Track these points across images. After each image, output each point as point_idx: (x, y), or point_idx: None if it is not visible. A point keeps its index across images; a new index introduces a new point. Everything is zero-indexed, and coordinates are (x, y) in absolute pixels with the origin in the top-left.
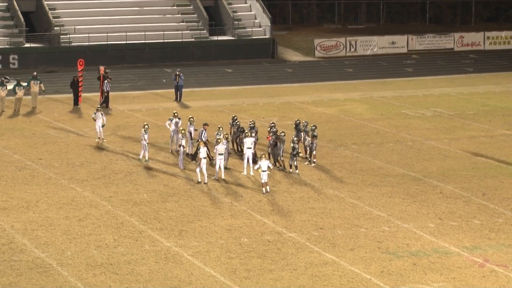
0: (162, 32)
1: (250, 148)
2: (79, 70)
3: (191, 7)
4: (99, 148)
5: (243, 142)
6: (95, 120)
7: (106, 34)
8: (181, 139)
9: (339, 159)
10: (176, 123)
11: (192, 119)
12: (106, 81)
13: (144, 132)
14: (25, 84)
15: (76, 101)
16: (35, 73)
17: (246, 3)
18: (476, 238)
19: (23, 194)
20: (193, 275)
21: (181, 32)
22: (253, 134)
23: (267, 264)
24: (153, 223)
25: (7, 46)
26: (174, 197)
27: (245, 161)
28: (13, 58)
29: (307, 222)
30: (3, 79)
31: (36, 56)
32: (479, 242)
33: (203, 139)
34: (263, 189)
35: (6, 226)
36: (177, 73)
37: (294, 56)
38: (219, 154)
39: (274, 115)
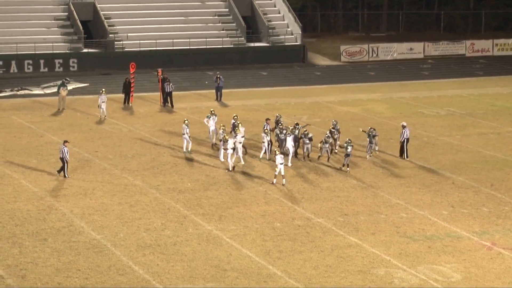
0: (205, 39)
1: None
2: (131, 72)
3: (231, 17)
4: (149, 142)
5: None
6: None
7: (155, 41)
8: (222, 134)
9: (362, 153)
10: (213, 120)
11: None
12: (166, 83)
13: (186, 127)
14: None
15: (127, 100)
16: (64, 79)
17: (279, 13)
18: (484, 224)
19: (81, 182)
20: (232, 255)
21: (221, 39)
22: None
23: (297, 246)
24: (196, 209)
25: (67, 51)
26: (215, 186)
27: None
28: (73, 62)
29: (333, 209)
30: (64, 80)
31: (92, 60)
32: (487, 227)
33: (268, 131)
34: (276, 179)
35: (66, 211)
36: (218, 75)
37: (322, 61)
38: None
39: (304, 113)
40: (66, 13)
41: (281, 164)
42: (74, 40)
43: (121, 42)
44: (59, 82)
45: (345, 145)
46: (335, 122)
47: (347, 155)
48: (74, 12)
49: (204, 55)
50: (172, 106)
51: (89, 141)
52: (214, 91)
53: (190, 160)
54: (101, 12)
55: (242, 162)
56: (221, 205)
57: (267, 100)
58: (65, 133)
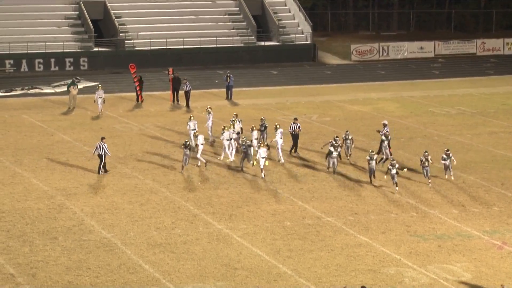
0: (215, 38)
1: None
2: (132, 72)
3: (241, 16)
4: (159, 140)
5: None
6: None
7: (165, 40)
8: (233, 133)
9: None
10: (210, 118)
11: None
12: (183, 82)
13: (191, 123)
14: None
15: (137, 98)
16: (74, 78)
17: (290, 12)
18: (495, 223)
19: (91, 181)
20: (242, 254)
21: (232, 38)
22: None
23: (307, 245)
24: (206, 207)
25: (78, 50)
26: (225, 185)
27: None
28: (83, 61)
29: (343, 208)
30: (74, 79)
31: (103, 59)
32: (498, 226)
33: (292, 131)
34: (262, 173)
35: (76, 209)
36: (228, 74)
37: (332, 60)
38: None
39: (314, 112)
40: (77, 12)
41: (263, 158)
42: (84, 39)
43: (132, 41)
44: (69, 81)
45: (368, 157)
46: (347, 133)
47: (371, 169)
48: (85, 11)
49: (214, 54)
50: (188, 106)
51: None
52: (224, 90)
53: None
54: (112, 11)
55: (231, 159)
56: (231, 204)
57: (277, 99)
58: (76, 132)
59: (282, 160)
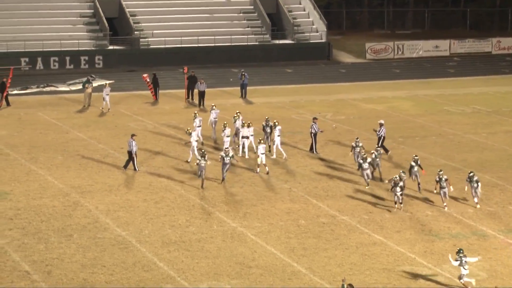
0: (230, 36)
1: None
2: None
3: (256, 14)
4: (174, 138)
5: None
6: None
7: (180, 38)
8: (248, 132)
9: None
10: (215, 113)
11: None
12: (199, 82)
13: (195, 119)
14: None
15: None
16: (89, 76)
17: (304, 10)
18: (510, 222)
19: (106, 179)
20: (256, 252)
21: (246, 36)
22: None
23: (321, 243)
24: (220, 206)
25: (93, 48)
26: (239, 183)
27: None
28: (98, 59)
29: (358, 206)
30: (89, 77)
31: (118, 57)
32: None
33: (316, 131)
34: (259, 168)
35: (91, 207)
36: (242, 72)
37: (347, 58)
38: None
39: (328, 111)
40: (92, 10)
41: (262, 154)
42: (99, 37)
43: (146, 39)
44: (84, 79)
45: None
46: (357, 140)
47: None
48: (100, 9)
49: (229, 52)
50: (203, 105)
51: (114, 138)
52: (238, 88)
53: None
54: (127, 9)
55: (245, 156)
56: (246, 202)
57: (291, 98)
58: (90, 129)
59: (285, 155)
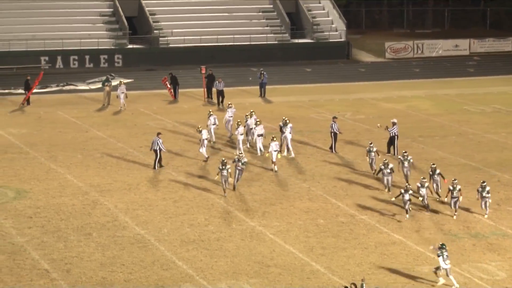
0: (249, 35)
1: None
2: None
3: (275, 13)
4: (193, 137)
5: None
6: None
7: (199, 37)
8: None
9: (406, 150)
10: (231, 111)
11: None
12: (217, 81)
13: (210, 117)
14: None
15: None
16: (109, 75)
17: (324, 9)
18: None
19: (125, 177)
20: (275, 251)
21: (265, 35)
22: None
23: (340, 243)
24: (239, 205)
25: (112, 47)
26: (258, 182)
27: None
28: (118, 58)
29: (377, 206)
30: (108, 76)
31: (137, 56)
32: None
33: (335, 131)
34: (275, 167)
35: (110, 205)
36: (262, 72)
37: (366, 57)
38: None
39: (348, 110)
40: (112, 9)
41: (275, 151)
42: (119, 36)
43: (166, 38)
44: (104, 78)
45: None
46: (371, 145)
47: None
48: (119, 8)
49: (248, 51)
50: (222, 104)
51: (134, 137)
52: (257, 87)
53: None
54: (146, 8)
55: (259, 153)
56: (265, 201)
57: (310, 97)
58: (110, 128)
59: (292, 155)
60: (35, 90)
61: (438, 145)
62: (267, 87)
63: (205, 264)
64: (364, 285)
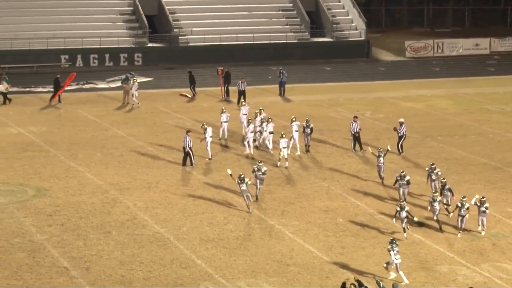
0: (268, 34)
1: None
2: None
3: (295, 11)
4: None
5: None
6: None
7: (219, 36)
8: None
9: (426, 149)
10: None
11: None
12: (240, 81)
13: (222, 114)
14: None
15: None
16: (128, 74)
17: (344, 8)
18: None
19: (145, 176)
20: (294, 250)
21: (285, 34)
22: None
23: (359, 242)
24: (258, 203)
25: (132, 46)
26: (277, 180)
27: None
28: (137, 56)
29: (396, 205)
30: (128, 74)
31: (157, 55)
32: None
33: (356, 130)
34: (280, 162)
35: (130, 204)
36: (281, 70)
37: (386, 56)
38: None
39: (367, 109)
40: (132, 8)
41: (284, 148)
42: (139, 34)
43: (186, 36)
44: (123, 76)
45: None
46: (380, 150)
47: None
48: (139, 6)
49: (267, 50)
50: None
51: (153, 135)
52: (277, 86)
53: (251, 156)
54: (166, 7)
55: (248, 151)
56: (284, 200)
57: (330, 96)
58: (129, 126)
59: (298, 152)
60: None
61: (458, 144)
62: (286, 86)
63: (224, 263)
64: (381, 282)
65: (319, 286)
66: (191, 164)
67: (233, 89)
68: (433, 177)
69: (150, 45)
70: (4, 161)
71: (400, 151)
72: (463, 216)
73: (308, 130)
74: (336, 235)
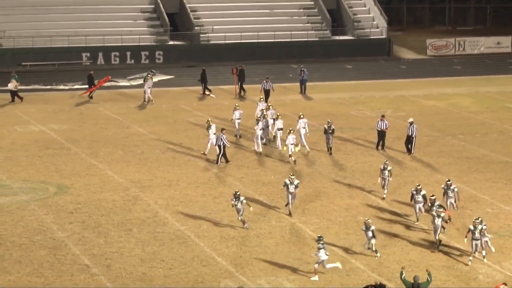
0: (290, 32)
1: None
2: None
3: (316, 10)
4: (232, 134)
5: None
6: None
7: (240, 34)
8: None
9: (447, 147)
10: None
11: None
12: (265, 80)
13: (235, 111)
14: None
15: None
16: (149, 71)
17: (365, 6)
18: None
19: (165, 174)
20: (314, 248)
21: (306, 32)
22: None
23: (380, 240)
24: (279, 201)
25: (153, 43)
26: (298, 179)
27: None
28: (159, 54)
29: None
30: (149, 72)
31: (178, 53)
32: None
33: (382, 128)
34: (290, 158)
35: (150, 201)
36: (302, 68)
37: (407, 54)
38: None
39: (388, 107)
40: (153, 6)
41: (291, 144)
42: (160, 32)
43: (207, 34)
44: (144, 74)
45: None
46: (386, 163)
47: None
48: (161, 4)
49: (288, 48)
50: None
51: (174, 133)
52: (298, 84)
53: (268, 155)
54: (187, 5)
55: (257, 149)
56: (304, 198)
57: (351, 94)
58: (150, 124)
59: (308, 149)
60: (76, 86)
61: (479, 142)
62: (307, 84)
63: (244, 261)
64: (403, 272)
65: (339, 284)
66: (226, 161)
67: (255, 87)
68: (450, 194)
69: (171, 43)
70: (25, 159)
71: (411, 151)
72: (479, 240)
73: (330, 131)
74: (357, 233)
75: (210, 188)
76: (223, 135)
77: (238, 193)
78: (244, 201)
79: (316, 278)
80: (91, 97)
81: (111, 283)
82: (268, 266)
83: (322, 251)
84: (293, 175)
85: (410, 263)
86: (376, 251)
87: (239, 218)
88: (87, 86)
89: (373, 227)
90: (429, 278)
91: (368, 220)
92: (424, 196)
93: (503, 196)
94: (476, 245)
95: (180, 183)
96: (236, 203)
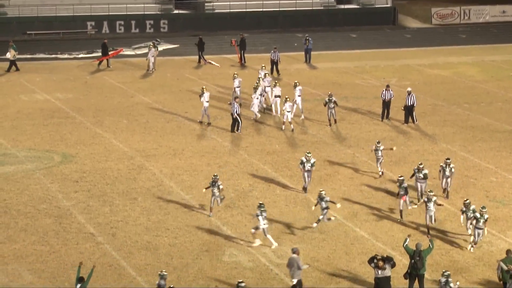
0: (295, 1)
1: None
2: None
3: None
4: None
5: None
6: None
7: (245, 3)
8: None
9: (452, 117)
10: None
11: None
12: (272, 51)
13: (235, 80)
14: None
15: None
16: (154, 40)
17: None
18: None
19: (170, 143)
20: (318, 217)
21: (311, 1)
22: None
23: (385, 209)
24: (284, 170)
25: (158, 12)
26: (303, 148)
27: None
28: (163, 23)
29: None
30: (154, 41)
31: (183, 22)
32: None
33: (390, 98)
34: (284, 126)
35: (155, 170)
36: (307, 37)
37: (412, 23)
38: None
39: (393, 76)
40: None
41: (288, 111)
42: (165, 1)
43: (212, 3)
44: (149, 43)
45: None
46: (378, 144)
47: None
48: None
49: (293, 17)
50: (278, 73)
51: (179, 102)
52: (303, 53)
53: (278, 123)
54: None
55: (257, 115)
56: None
57: (356, 63)
58: (155, 93)
59: (303, 116)
60: (81, 55)
61: (484, 111)
62: (312, 53)
63: (249, 229)
64: (408, 239)
65: (344, 252)
66: (238, 130)
67: (259, 56)
68: (447, 173)
69: (176, 12)
70: (30, 128)
71: (415, 120)
72: (482, 229)
73: (331, 105)
74: (361, 202)
75: (215, 157)
76: (236, 104)
77: (217, 177)
78: (221, 187)
79: (257, 243)
80: (99, 65)
81: (116, 251)
82: (273, 235)
83: (260, 218)
84: (309, 153)
85: (415, 232)
86: (329, 219)
87: (211, 205)
88: (97, 54)
89: (327, 198)
90: (430, 245)
91: (323, 192)
92: (425, 175)
93: (508, 165)
94: (478, 234)
95: (185, 152)
96: (212, 187)
